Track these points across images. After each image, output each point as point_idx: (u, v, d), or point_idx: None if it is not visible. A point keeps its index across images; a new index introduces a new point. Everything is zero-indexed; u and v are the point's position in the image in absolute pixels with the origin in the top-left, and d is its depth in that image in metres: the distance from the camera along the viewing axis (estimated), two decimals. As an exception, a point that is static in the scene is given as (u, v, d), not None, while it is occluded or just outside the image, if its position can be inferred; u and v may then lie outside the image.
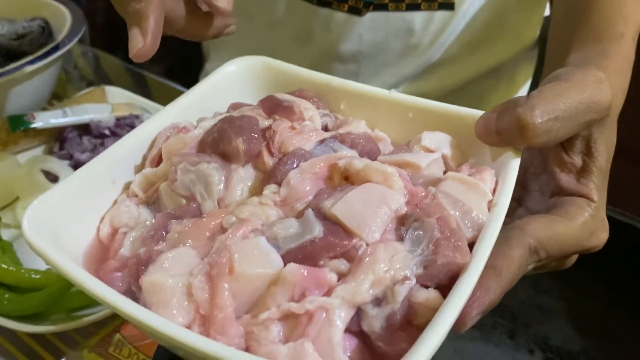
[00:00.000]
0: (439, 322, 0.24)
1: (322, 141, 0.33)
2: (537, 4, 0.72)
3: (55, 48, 0.71)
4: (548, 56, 0.51)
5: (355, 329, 0.27)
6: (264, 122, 0.34)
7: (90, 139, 0.70)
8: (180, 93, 0.39)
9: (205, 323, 0.26)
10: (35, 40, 0.73)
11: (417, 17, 0.66)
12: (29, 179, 0.63)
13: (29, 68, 0.68)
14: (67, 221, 0.31)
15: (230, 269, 0.26)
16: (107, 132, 0.70)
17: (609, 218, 0.41)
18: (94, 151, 0.68)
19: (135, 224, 0.32)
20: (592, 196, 0.34)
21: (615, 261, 0.44)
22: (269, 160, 0.32)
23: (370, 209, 0.28)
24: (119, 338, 0.50)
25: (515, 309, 0.47)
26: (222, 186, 0.31)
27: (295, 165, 0.31)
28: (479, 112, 0.35)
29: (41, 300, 0.52)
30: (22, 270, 0.54)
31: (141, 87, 0.90)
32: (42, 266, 0.55)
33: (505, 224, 0.29)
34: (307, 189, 0.31)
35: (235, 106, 0.38)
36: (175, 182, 0.31)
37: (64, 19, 0.76)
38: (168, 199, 0.32)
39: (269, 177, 0.31)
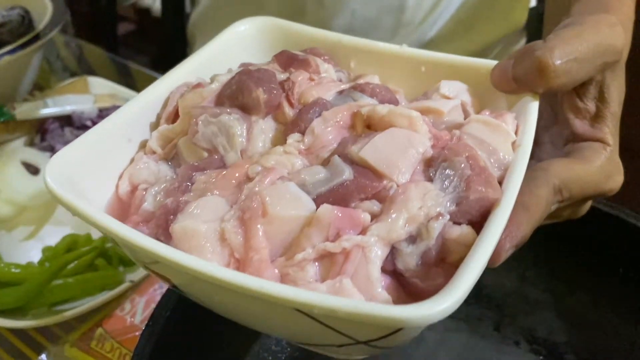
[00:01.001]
0: (476, 255, 0.24)
1: (341, 92, 0.33)
2: None
3: (36, 38, 0.70)
4: (547, 17, 0.51)
5: (389, 268, 0.27)
6: (281, 76, 0.34)
7: (72, 130, 0.69)
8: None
9: (240, 267, 0.26)
10: (15, 30, 0.72)
11: None
12: (9, 171, 0.63)
13: (8, 58, 0.67)
14: (85, 178, 0.30)
15: (263, 212, 0.26)
16: (89, 123, 0.69)
17: (596, 209, 0.42)
18: None
19: (156, 179, 0.32)
20: (607, 140, 0.35)
21: (602, 253, 0.44)
22: (289, 112, 0.32)
23: (398, 152, 0.28)
24: (101, 332, 0.50)
25: (501, 301, 0.47)
26: (243, 138, 0.31)
27: (317, 114, 0.31)
28: (492, 62, 0.35)
29: (21, 295, 0.52)
30: (2, 265, 0.54)
31: (125, 78, 0.89)
32: (22, 260, 0.56)
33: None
34: (330, 137, 0.31)
35: (245, 65, 0.38)
36: (196, 135, 0.31)
37: (44, 8, 0.75)
38: (188, 152, 0.32)
39: (292, 126, 0.31)
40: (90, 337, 0.51)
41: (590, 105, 0.35)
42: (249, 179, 0.29)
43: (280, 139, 0.32)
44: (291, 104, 0.32)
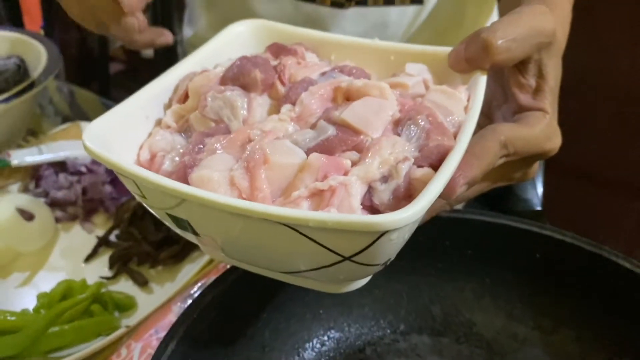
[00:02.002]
0: (434, 182, 0.31)
1: (323, 73, 0.40)
2: None
3: (31, 85, 0.72)
4: (501, 13, 0.59)
5: (367, 204, 0.33)
6: (273, 62, 0.41)
7: (66, 176, 0.70)
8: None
9: (248, 204, 0.32)
10: (11, 78, 0.74)
11: (392, 12, 0.75)
12: (3, 218, 0.64)
13: (3, 106, 0.69)
14: (114, 145, 0.36)
15: (265, 160, 0.33)
16: (83, 169, 0.70)
17: (588, 252, 0.45)
18: (70, 188, 0.69)
19: (171, 148, 0.38)
20: (547, 109, 0.42)
21: (588, 291, 0.47)
22: (281, 89, 0.39)
23: (372, 113, 0.35)
24: (97, 379, 0.49)
25: (491, 339, 0.48)
26: (244, 110, 0.38)
27: (305, 89, 0.38)
28: (448, 48, 0.42)
29: (17, 343, 0.51)
30: (-3, 312, 0.53)
31: None
32: (17, 307, 0.56)
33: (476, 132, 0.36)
34: (316, 107, 0.37)
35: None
36: (205, 108, 0.37)
37: (39, 56, 0.77)
38: (199, 124, 0.38)
39: (284, 99, 0.38)
40: (86, 385, 0.50)
41: (532, 81, 0.42)
42: (251, 140, 0.35)
43: (274, 112, 0.38)
44: (283, 83, 0.39)
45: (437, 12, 0.77)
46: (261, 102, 0.38)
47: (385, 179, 0.33)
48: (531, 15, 0.40)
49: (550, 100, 0.42)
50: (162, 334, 0.46)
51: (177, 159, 0.36)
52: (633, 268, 0.44)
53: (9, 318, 0.53)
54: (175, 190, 0.31)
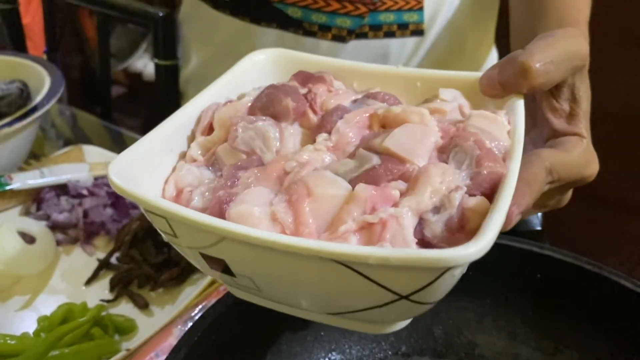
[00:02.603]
0: (494, 214, 0.29)
1: (355, 101, 0.38)
2: (487, 28, 0.83)
3: (33, 109, 0.72)
4: (513, 44, 0.59)
5: (418, 237, 0.31)
6: (302, 90, 0.39)
7: (67, 198, 0.70)
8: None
9: (292, 241, 0.30)
10: (14, 102, 0.74)
11: (393, 44, 0.74)
12: (4, 241, 0.63)
13: (6, 130, 0.69)
14: (138, 181, 0.34)
15: (308, 192, 0.30)
16: (84, 192, 0.70)
17: (589, 272, 0.45)
18: (72, 211, 0.69)
19: (199, 182, 0.36)
20: (583, 133, 0.41)
21: (590, 311, 0.47)
22: (313, 118, 0.37)
23: (415, 141, 0.33)
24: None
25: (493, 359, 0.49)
26: (277, 140, 0.35)
27: (340, 117, 0.36)
28: (479, 73, 0.41)
29: None
30: (-3, 336, 0.52)
31: (119, 144, 0.91)
32: (17, 331, 0.56)
33: None
34: (352, 135, 0.35)
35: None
36: (236, 140, 0.35)
37: (42, 80, 0.78)
38: (228, 156, 0.36)
39: (318, 128, 0.36)
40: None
41: (565, 106, 0.41)
42: (286, 172, 0.33)
43: (307, 142, 0.36)
44: (315, 111, 0.37)
45: (438, 43, 0.77)
46: (293, 132, 0.36)
47: (437, 209, 0.31)
48: (566, 39, 0.39)
49: (584, 124, 0.41)
50: (163, 357, 0.47)
51: (207, 194, 0.34)
52: (634, 288, 0.44)
53: (9, 342, 0.53)
54: (215, 227, 0.28)
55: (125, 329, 0.57)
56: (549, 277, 0.47)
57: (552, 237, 0.74)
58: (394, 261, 0.26)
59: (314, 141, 0.36)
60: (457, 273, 0.27)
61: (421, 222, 0.31)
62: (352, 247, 0.27)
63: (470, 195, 0.31)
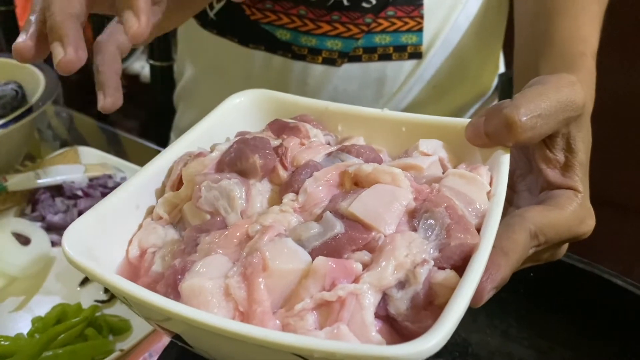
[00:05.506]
0: (459, 296, 0.27)
1: (329, 154, 0.37)
2: (492, 51, 0.79)
3: (28, 111, 0.72)
4: (516, 78, 0.56)
5: (382, 313, 0.29)
6: (274, 142, 0.37)
7: (63, 200, 0.70)
8: (154, 151, 0.41)
9: (245, 319, 0.28)
10: (9, 104, 0.74)
11: (389, 67, 0.70)
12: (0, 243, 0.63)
13: (1, 131, 0.69)
14: (99, 245, 0.33)
15: (264, 266, 0.29)
16: (79, 193, 0.70)
17: (581, 270, 0.46)
18: (67, 212, 0.68)
19: (163, 243, 0.34)
20: (578, 187, 0.38)
21: (583, 310, 0.47)
22: (283, 174, 0.35)
23: (384, 205, 0.31)
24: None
25: (486, 359, 0.49)
26: (243, 200, 0.34)
27: (309, 175, 0.34)
28: (466, 120, 0.38)
29: None
30: (-10, 337, 0.53)
31: (115, 146, 0.91)
32: (11, 331, 0.56)
33: (502, 216, 0.32)
34: (322, 195, 0.33)
35: (241, 134, 0.41)
36: (199, 200, 0.34)
37: (37, 82, 0.78)
38: (193, 216, 0.34)
39: (286, 187, 0.34)
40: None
41: (560, 156, 0.38)
42: (249, 237, 0.32)
43: (275, 199, 0.35)
44: (285, 167, 0.35)
45: (437, 66, 0.73)
46: (261, 189, 0.35)
47: (401, 284, 0.29)
48: (557, 88, 0.36)
49: (581, 177, 0.38)
50: (156, 357, 0.47)
51: (167, 258, 0.33)
52: (627, 287, 0.45)
53: (2, 343, 0.53)
54: (159, 308, 0.27)
55: (120, 329, 0.57)
56: (542, 276, 0.47)
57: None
58: (339, 356, 0.24)
59: (281, 200, 0.34)
60: None
61: (385, 298, 0.29)
62: (296, 337, 0.25)
63: (440, 268, 0.29)
